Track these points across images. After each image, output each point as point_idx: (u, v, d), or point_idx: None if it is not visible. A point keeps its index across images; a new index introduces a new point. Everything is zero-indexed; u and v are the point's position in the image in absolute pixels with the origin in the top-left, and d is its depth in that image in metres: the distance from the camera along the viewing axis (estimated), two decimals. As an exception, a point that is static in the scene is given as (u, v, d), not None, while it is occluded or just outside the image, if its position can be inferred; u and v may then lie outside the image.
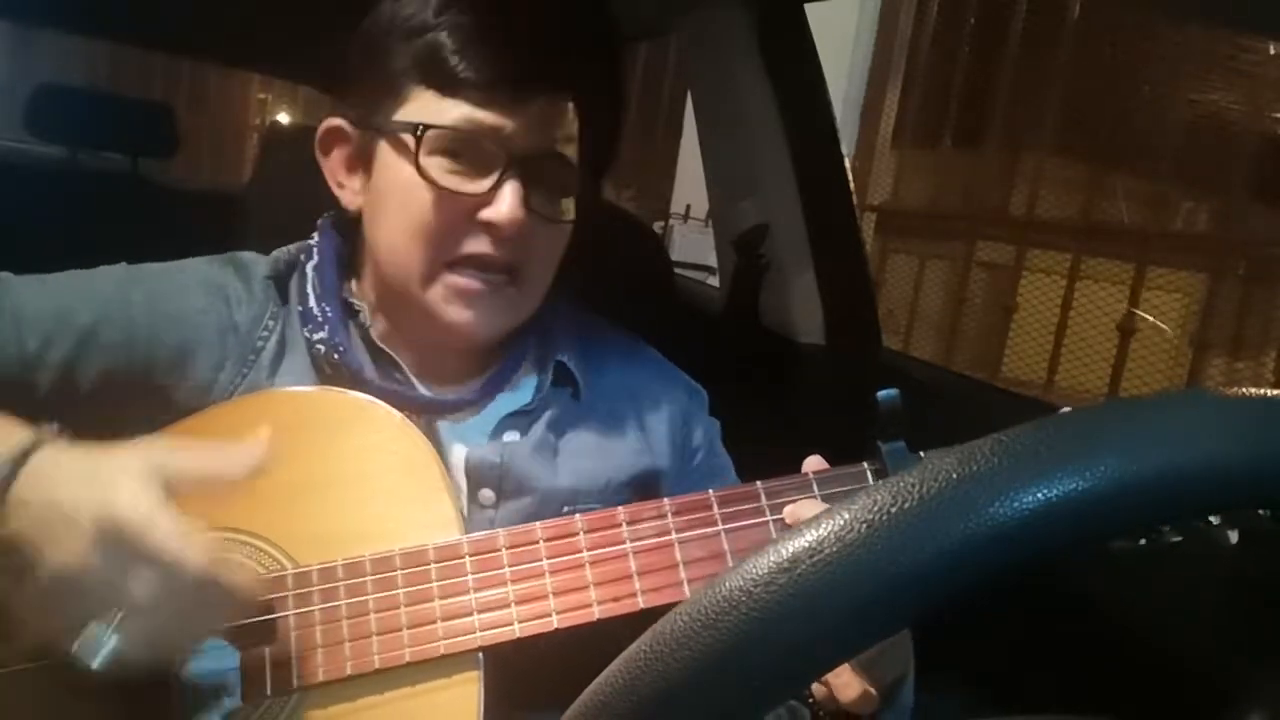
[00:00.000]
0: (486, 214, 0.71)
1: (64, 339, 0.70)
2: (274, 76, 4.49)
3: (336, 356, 0.75)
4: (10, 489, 0.57)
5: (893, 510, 0.29)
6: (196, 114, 5.77)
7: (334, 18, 0.76)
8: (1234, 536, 0.41)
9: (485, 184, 0.71)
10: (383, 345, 0.78)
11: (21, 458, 0.58)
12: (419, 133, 0.71)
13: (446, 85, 0.71)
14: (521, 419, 0.79)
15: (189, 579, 0.56)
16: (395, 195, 0.74)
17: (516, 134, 0.71)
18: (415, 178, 0.71)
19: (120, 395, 0.72)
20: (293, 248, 0.82)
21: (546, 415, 0.80)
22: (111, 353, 0.72)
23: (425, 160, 0.71)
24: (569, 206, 0.76)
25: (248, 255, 0.80)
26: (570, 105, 0.73)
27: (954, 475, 0.29)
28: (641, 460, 0.81)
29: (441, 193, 0.72)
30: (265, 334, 0.76)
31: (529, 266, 0.76)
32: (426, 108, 0.72)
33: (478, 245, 0.73)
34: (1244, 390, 0.32)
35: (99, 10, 2.00)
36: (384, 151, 0.75)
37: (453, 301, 0.74)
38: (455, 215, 0.72)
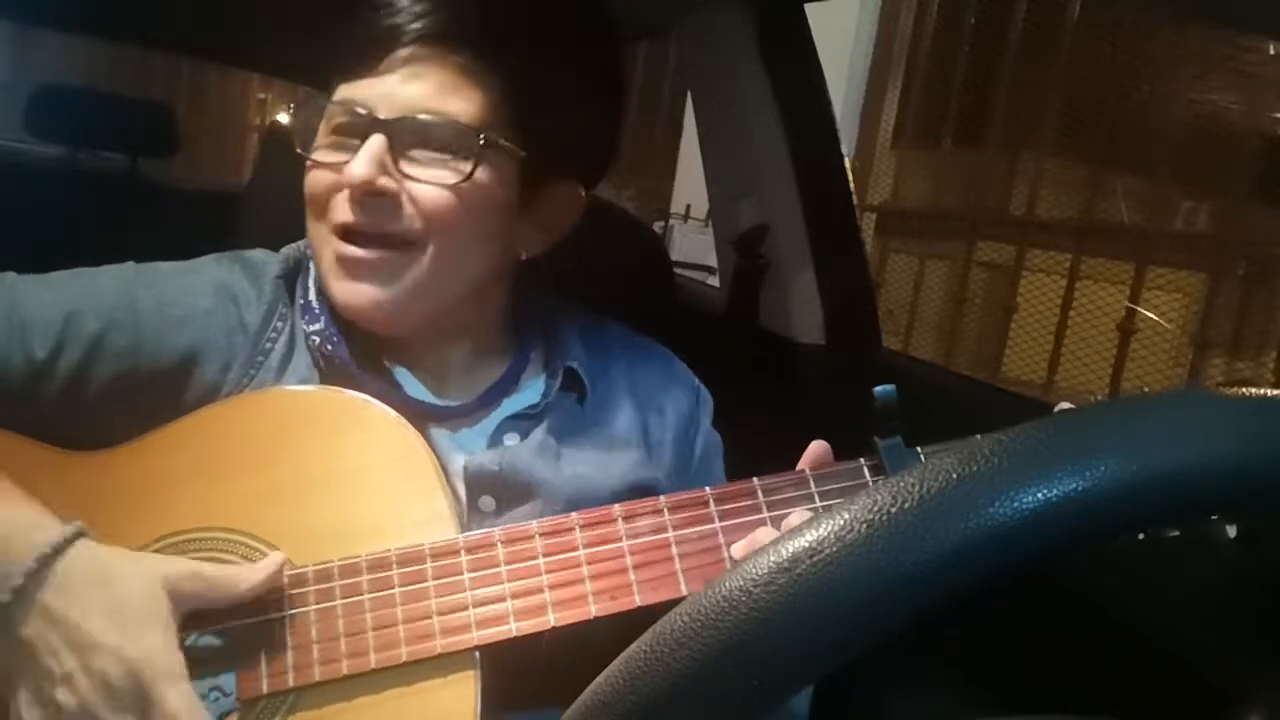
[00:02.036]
0: (341, 175, 0.71)
1: (72, 346, 0.70)
2: (274, 76, 4.48)
3: (329, 349, 0.74)
4: (36, 590, 0.59)
5: (893, 510, 0.29)
6: (196, 114, 5.76)
7: (334, 18, 0.76)
8: (1232, 531, 0.41)
9: (351, 153, 0.71)
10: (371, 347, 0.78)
11: (52, 556, 0.60)
12: (290, 111, 0.74)
13: (340, 71, 0.73)
14: (522, 422, 0.78)
15: None
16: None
17: (384, 99, 0.71)
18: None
19: (127, 398, 0.72)
20: (301, 244, 0.82)
21: (549, 419, 0.79)
22: (119, 358, 0.71)
23: (315, 144, 0.74)
24: (458, 171, 0.72)
25: (257, 254, 0.80)
26: (476, 72, 0.71)
27: (954, 475, 0.29)
28: (644, 472, 0.80)
29: (317, 167, 0.73)
30: (274, 334, 0.76)
31: (418, 236, 0.72)
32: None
33: (341, 213, 0.72)
34: (1244, 390, 0.32)
35: (99, 10, 1.99)
36: None
37: (339, 276, 0.73)
38: (328, 187, 0.73)
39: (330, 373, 0.75)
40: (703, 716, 0.30)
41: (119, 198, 2.13)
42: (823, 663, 0.30)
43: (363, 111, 0.71)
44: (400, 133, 0.71)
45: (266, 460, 0.70)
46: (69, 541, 0.60)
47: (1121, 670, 0.90)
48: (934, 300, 4.08)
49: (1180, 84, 3.30)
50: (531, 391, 0.81)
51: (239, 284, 0.76)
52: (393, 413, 0.72)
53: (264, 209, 1.07)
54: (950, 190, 4.18)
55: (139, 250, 0.79)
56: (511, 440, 0.77)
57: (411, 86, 0.71)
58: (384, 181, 0.70)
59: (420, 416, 0.75)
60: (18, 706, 0.60)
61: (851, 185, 1.60)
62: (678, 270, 1.56)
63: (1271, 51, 3.13)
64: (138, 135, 2.30)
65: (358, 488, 0.70)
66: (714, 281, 1.85)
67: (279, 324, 0.76)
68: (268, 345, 0.75)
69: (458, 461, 0.75)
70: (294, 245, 0.82)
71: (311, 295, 0.77)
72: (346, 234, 0.72)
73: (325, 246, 0.74)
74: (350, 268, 0.72)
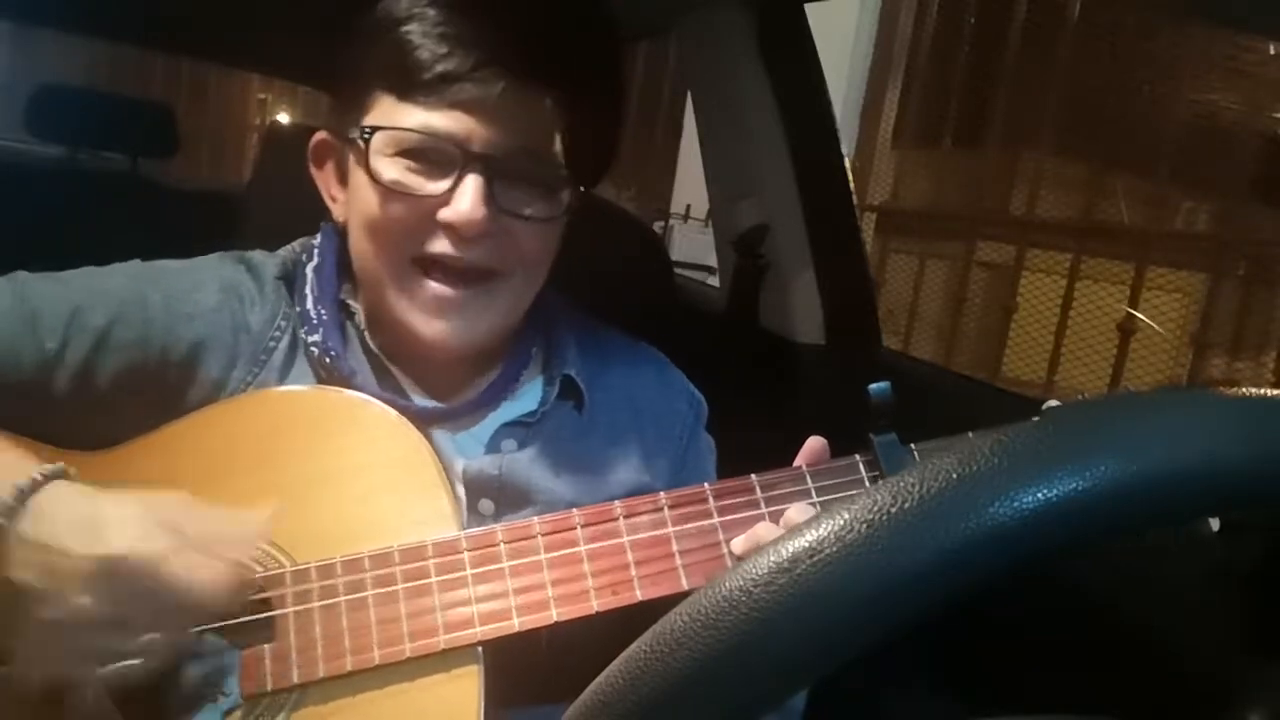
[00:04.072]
0: (444, 214, 0.70)
1: (81, 340, 0.70)
2: (274, 76, 4.48)
3: (329, 360, 0.75)
4: (15, 524, 0.58)
5: (893, 510, 0.29)
6: (196, 114, 5.76)
7: (334, 18, 0.76)
8: (1215, 525, 0.41)
9: (444, 184, 0.70)
10: (377, 351, 0.78)
11: (29, 490, 0.59)
12: (366, 135, 0.70)
13: (402, 89, 0.70)
14: (520, 429, 0.78)
15: (197, 610, 0.59)
16: (359, 200, 0.73)
17: (477, 132, 0.69)
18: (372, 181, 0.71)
19: (134, 394, 0.72)
20: (296, 245, 0.82)
21: (546, 427, 0.79)
22: (127, 352, 0.72)
23: (382, 163, 0.71)
24: (554, 204, 0.74)
25: (257, 255, 0.80)
26: (546, 100, 0.71)
27: (954, 475, 0.29)
28: (640, 478, 0.81)
29: (397, 193, 0.70)
30: (278, 334, 0.76)
31: (509, 269, 0.74)
32: (385, 114, 0.71)
33: (440, 246, 0.71)
34: (1244, 390, 0.32)
35: (99, 10, 1.99)
36: (352, 159, 0.74)
37: (424, 310, 0.73)
38: (416, 217, 0.71)
39: (330, 380, 0.75)
40: (703, 716, 0.30)
41: (119, 198, 2.13)
42: (823, 663, 0.30)
43: (453, 143, 0.69)
44: (497, 168, 0.70)
45: (268, 459, 0.70)
46: (46, 479, 0.60)
47: (1121, 670, 0.90)
48: (934, 300, 4.08)
49: (1180, 84, 3.29)
50: (529, 398, 0.81)
51: (244, 283, 0.77)
52: (393, 412, 0.72)
53: (264, 209, 1.07)
54: (950, 190, 4.18)
55: (139, 250, 0.79)
56: (509, 447, 0.77)
57: (507, 122, 0.70)
58: (492, 221, 0.70)
59: (420, 419, 0.75)
60: (17, 652, 0.58)
61: (851, 185, 1.60)
62: (678, 270, 1.56)
63: (1271, 51, 3.13)
64: (138, 135, 2.30)
65: (360, 486, 0.70)
66: (714, 281, 1.85)
67: (282, 323, 0.76)
68: (271, 345, 0.75)
69: (457, 465, 0.76)
70: (289, 247, 0.82)
71: (309, 303, 0.77)
72: (434, 265, 0.72)
73: (401, 276, 0.73)
74: (442, 306, 0.72)
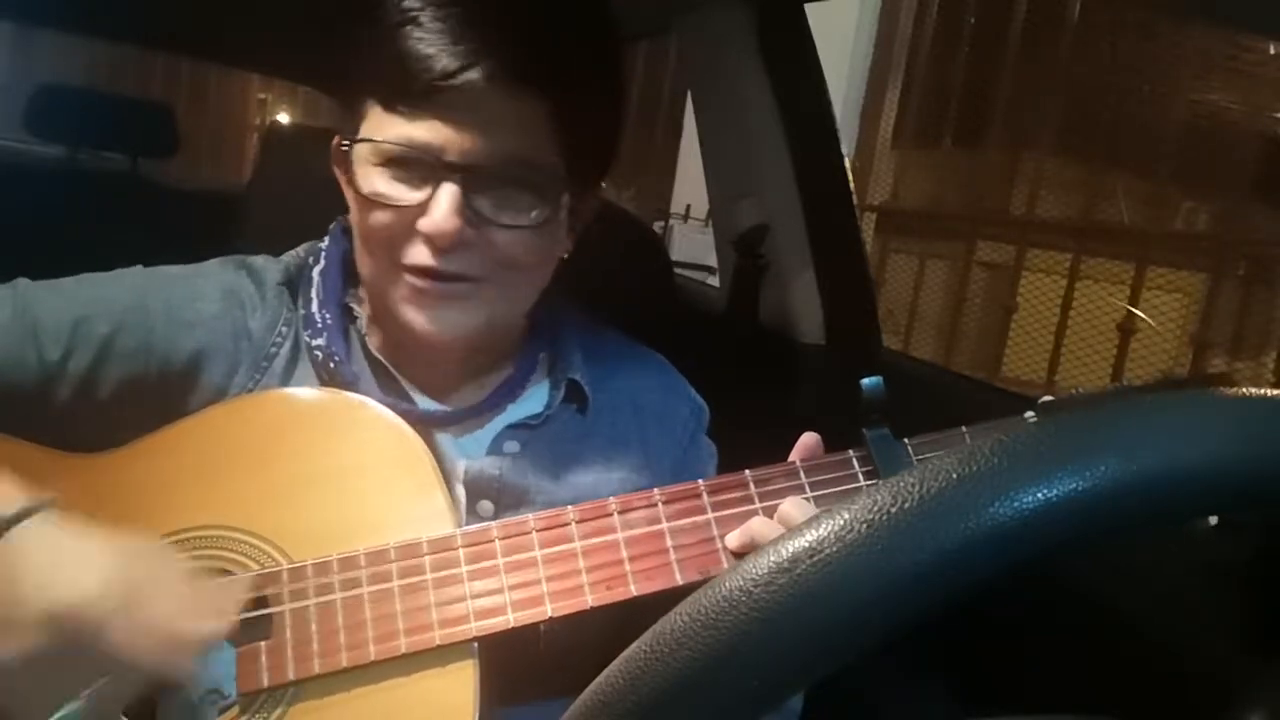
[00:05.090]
0: (421, 224, 0.70)
1: (84, 349, 0.70)
2: (274, 76, 4.49)
3: (333, 365, 0.75)
4: None
5: (893, 510, 0.29)
6: (196, 114, 5.76)
7: (334, 18, 0.76)
8: (1212, 520, 0.41)
9: (422, 194, 0.70)
10: (379, 356, 0.78)
11: (6, 524, 0.58)
12: (345, 147, 0.72)
13: (387, 100, 0.70)
14: (523, 431, 0.78)
15: (143, 676, 0.58)
16: (353, 207, 0.74)
17: (455, 142, 0.68)
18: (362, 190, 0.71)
19: (136, 400, 0.72)
20: (301, 250, 0.82)
21: (550, 429, 0.79)
22: (129, 360, 0.72)
23: (368, 173, 0.71)
24: (544, 210, 0.72)
25: (259, 260, 0.80)
26: (537, 105, 0.70)
27: (954, 475, 0.29)
28: (642, 481, 0.80)
29: (380, 204, 0.70)
30: (279, 340, 0.76)
31: (488, 274, 0.73)
32: (371, 125, 0.71)
33: (419, 256, 0.71)
34: (1245, 390, 0.32)
35: (99, 10, 2.00)
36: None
37: (409, 303, 0.72)
38: (398, 225, 0.71)
39: (333, 384, 0.75)
40: (703, 716, 0.30)
41: (119, 198, 2.13)
42: (823, 663, 0.30)
43: (429, 154, 0.69)
44: (477, 178, 0.69)
45: (267, 459, 0.71)
46: (28, 513, 0.59)
47: (1121, 670, 0.90)
48: (934, 300, 4.08)
49: (1180, 84, 3.30)
50: (534, 400, 0.81)
51: (245, 289, 0.77)
52: (390, 413, 0.72)
53: (264, 209, 1.07)
54: (950, 190, 4.18)
55: (139, 250, 0.79)
56: (511, 448, 0.77)
57: (481, 129, 0.69)
58: (468, 232, 0.70)
59: (425, 423, 0.75)
60: None
61: (851, 185, 1.60)
62: (678, 270, 1.56)
63: (1271, 51, 3.14)
64: (138, 135, 2.30)
65: (356, 485, 0.70)
66: (714, 281, 1.85)
67: (284, 329, 0.76)
68: (272, 351, 0.75)
69: (459, 466, 0.76)
70: (294, 252, 0.82)
71: (314, 307, 0.77)
72: (414, 271, 0.72)
73: (392, 279, 0.72)
74: (427, 300, 0.72)
